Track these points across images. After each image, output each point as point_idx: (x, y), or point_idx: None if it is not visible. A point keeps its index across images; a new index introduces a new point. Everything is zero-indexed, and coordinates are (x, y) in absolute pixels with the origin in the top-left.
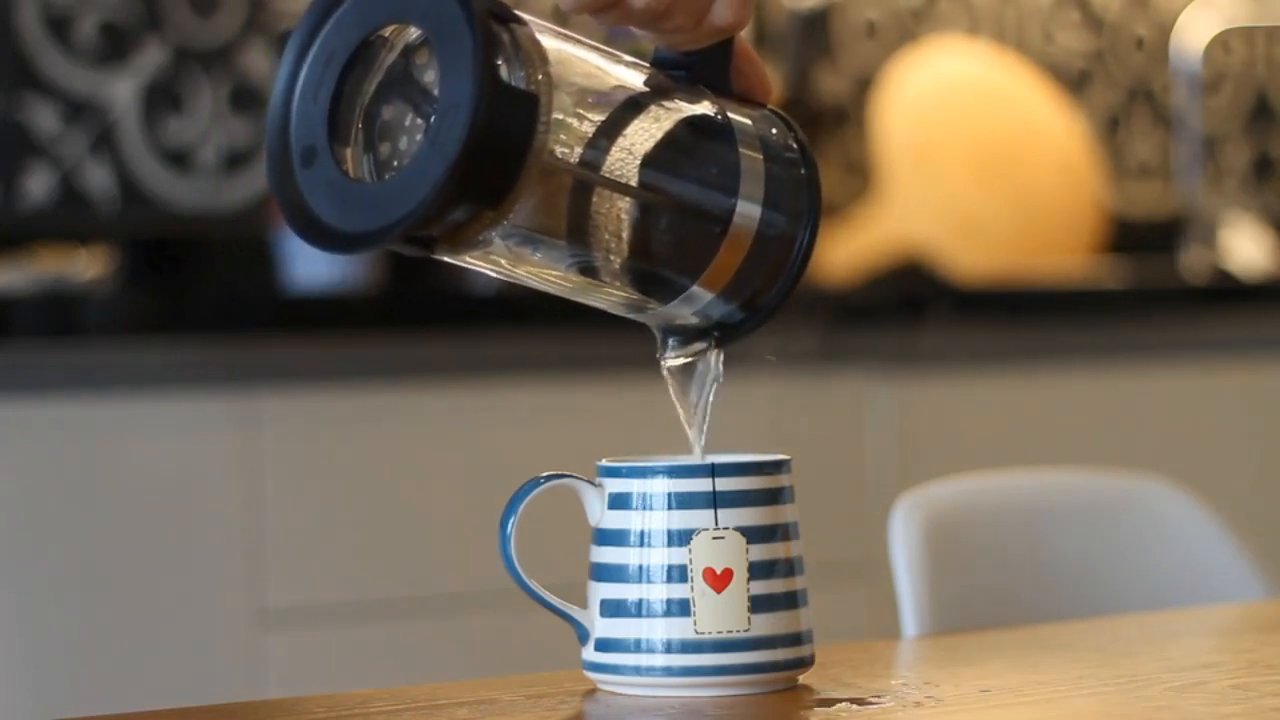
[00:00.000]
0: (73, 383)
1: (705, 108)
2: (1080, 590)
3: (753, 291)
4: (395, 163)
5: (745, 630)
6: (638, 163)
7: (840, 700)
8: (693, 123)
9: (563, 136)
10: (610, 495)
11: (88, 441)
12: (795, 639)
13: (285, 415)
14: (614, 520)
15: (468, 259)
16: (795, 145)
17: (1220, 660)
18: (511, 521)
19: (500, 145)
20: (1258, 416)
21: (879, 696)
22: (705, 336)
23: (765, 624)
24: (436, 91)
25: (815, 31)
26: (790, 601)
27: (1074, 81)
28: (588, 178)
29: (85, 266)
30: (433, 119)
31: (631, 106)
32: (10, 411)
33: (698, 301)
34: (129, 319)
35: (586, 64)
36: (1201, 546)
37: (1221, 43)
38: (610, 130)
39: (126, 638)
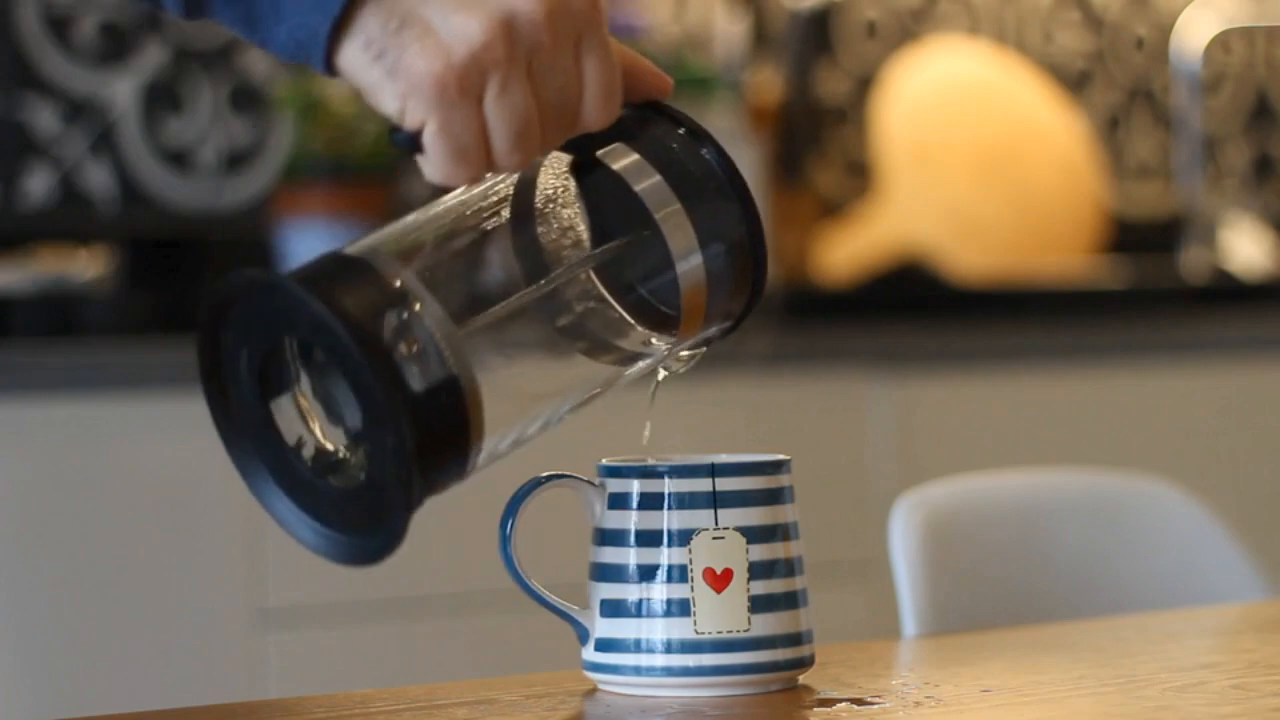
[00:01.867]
0: (73, 383)
1: (607, 191)
2: (1080, 590)
3: (727, 310)
4: (356, 432)
5: (745, 630)
6: (574, 307)
7: (840, 700)
8: (602, 223)
9: (488, 339)
10: (610, 495)
11: (88, 441)
12: (795, 639)
13: None
14: (614, 520)
15: (470, 475)
16: (697, 144)
17: (1220, 660)
18: (511, 522)
19: (442, 439)
20: (1258, 416)
21: (879, 696)
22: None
23: (765, 624)
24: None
25: (815, 31)
26: (790, 601)
27: (1074, 81)
28: (536, 356)
29: (85, 266)
30: (361, 439)
31: (532, 254)
32: (10, 411)
33: (682, 347)
34: (129, 319)
35: (467, 239)
36: (1201, 546)
37: (1221, 43)
38: (525, 299)
39: (126, 638)
